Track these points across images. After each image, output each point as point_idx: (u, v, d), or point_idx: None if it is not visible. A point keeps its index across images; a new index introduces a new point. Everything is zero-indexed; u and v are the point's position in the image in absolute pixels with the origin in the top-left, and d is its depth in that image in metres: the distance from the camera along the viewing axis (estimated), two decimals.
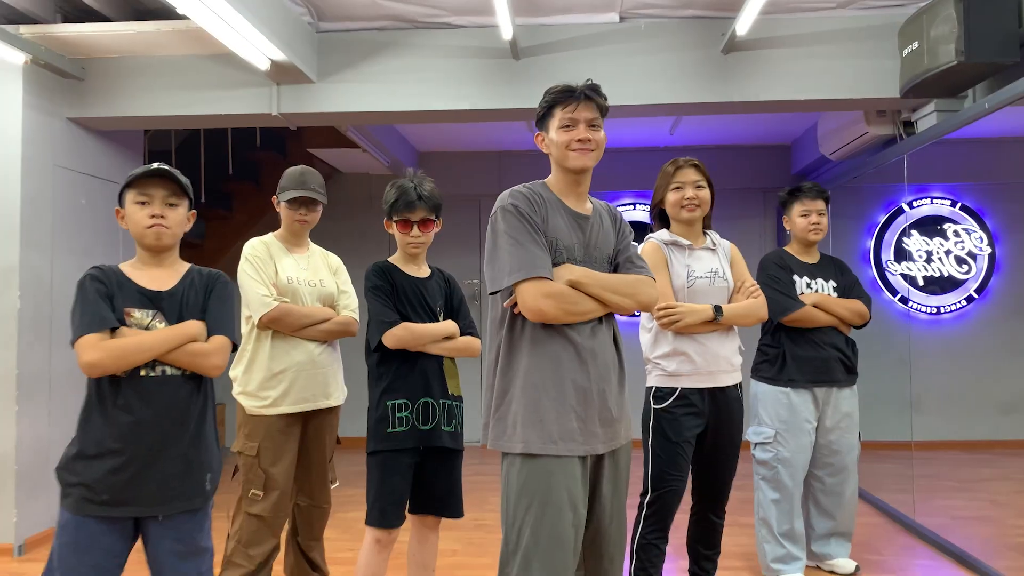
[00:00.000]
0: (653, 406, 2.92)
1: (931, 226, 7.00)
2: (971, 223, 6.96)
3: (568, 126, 2.13)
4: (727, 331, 2.93)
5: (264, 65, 4.17)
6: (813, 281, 3.61)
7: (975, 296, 6.91)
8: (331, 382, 3.04)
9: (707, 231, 3.08)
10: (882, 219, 7.02)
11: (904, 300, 6.98)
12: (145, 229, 2.11)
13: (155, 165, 2.13)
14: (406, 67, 4.51)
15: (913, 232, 7.00)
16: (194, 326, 2.11)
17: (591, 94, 2.14)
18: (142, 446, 2.03)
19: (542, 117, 2.20)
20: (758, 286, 3.01)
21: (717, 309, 2.86)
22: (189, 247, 6.30)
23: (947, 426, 6.79)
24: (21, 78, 4.25)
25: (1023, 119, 5.90)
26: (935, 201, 7.01)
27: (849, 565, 3.70)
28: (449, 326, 2.76)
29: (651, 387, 2.94)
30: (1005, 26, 3.53)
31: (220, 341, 2.15)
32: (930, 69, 3.71)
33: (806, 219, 3.60)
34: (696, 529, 3.12)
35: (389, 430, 2.66)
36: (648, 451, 2.94)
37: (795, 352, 3.52)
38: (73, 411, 4.63)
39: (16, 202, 4.22)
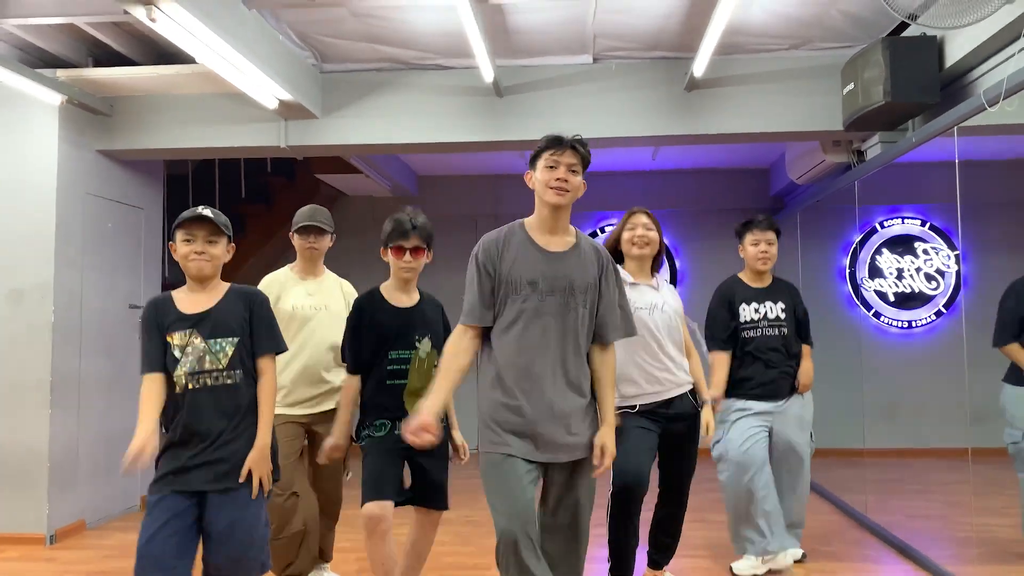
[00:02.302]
0: None
1: (902, 244, 7.40)
2: (939, 242, 7.36)
3: (552, 167, 2.53)
4: (668, 354, 3.35)
5: (272, 104, 4.66)
6: (761, 305, 3.94)
7: (944, 311, 7.30)
8: (324, 390, 3.51)
9: (655, 274, 3.50)
10: (857, 238, 7.43)
11: (877, 315, 7.37)
12: (188, 262, 2.58)
13: (199, 210, 2.58)
14: (402, 104, 4.99)
15: (884, 250, 7.40)
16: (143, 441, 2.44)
17: (576, 145, 2.55)
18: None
19: (533, 158, 2.63)
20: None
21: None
22: None
23: (918, 434, 7.14)
24: (57, 116, 4.77)
25: (981, 144, 6.29)
26: (906, 220, 7.42)
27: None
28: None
29: None
30: (927, 70, 3.96)
31: (268, 363, 2.66)
32: (864, 107, 4.15)
33: (756, 248, 3.94)
34: (659, 519, 3.53)
35: (358, 442, 3.14)
36: None
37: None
38: (100, 413, 5.13)
39: (52, 226, 4.73)
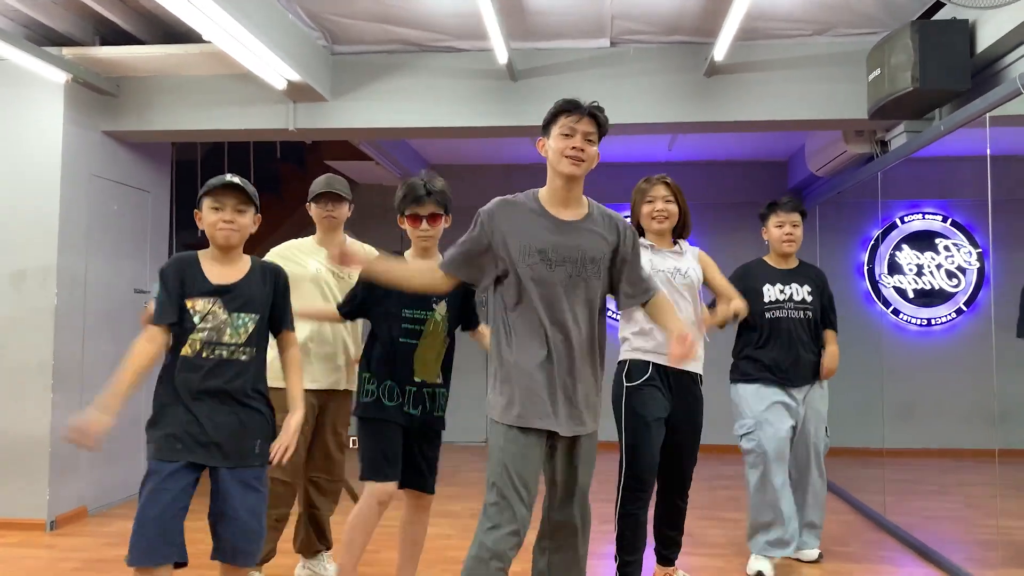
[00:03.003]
0: (625, 384, 3.22)
1: (922, 240, 7.24)
2: (961, 238, 7.19)
3: (567, 134, 2.41)
4: (688, 320, 3.22)
5: (281, 84, 4.55)
6: (787, 286, 3.84)
7: (964, 309, 7.14)
8: (341, 368, 3.40)
9: (678, 240, 3.39)
10: (876, 233, 7.28)
11: (896, 312, 7.22)
12: (216, 231, 2.51)
13: (228, 177, 2.51)
14: (413, 87, 4.87)
15: (904, 246, 7.25)
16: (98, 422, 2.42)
17: (594, 112, 2.43)
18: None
19: (547, 123, 2.49)
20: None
21: None
22: None
23: (936, 434, 7.00)
24: (63, 95, 4.68)
25: (1008, 138, 6.13)
26: (927, 216, 7.26)
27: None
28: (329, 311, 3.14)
29: (624, 361, 3.25)
30: (957, 55, 3.82)
31: (291, 336, 2.67)
32: (891, 94, 4.01)
33: (780, 230, 3.86)
34: (662, 511, 3.42)
35: (361, 398, 2.99)
36: (621, 429, 3.22)
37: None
38: None
39: (55, 208, 4.64)
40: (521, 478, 2.38)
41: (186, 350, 2.47)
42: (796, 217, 3.86)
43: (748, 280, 3.84)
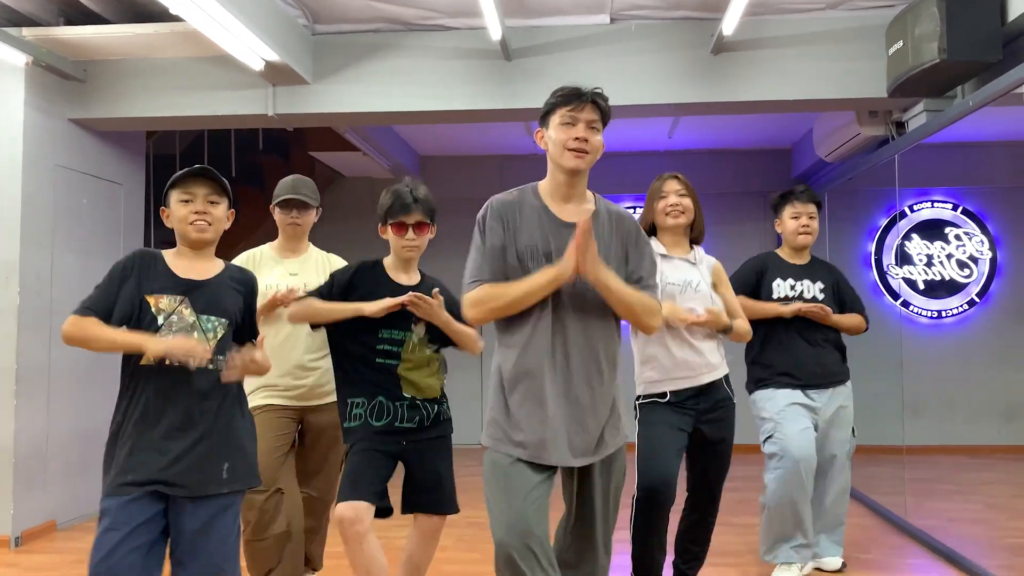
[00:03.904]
0: (637, 403, 2.98)
1: (932, 230, 6.99)
2: (972, 227, 6.94)
3: (569, 123, 2.18)
4: (696, 336, 2.95)
5: (258, 65, 4.25)
6: (799, 283, 3.62)
7: (976, 300, 6.89)
8: (319, 382, 3.12)
9: (694, 246, 3.13)
10: (883, 223, 7.03)
11: (906, 304, 6.96)
12: (188, 225, 2.22)
13: (197, 166, 2.25)
14: (400, 68, 4.58)
15: (914, 236, 7.00)
16: (151, 344, 2.11)
17: (596, 98, 2.20)
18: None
19: (545, 114, 2.26)
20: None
21: None
22: None
23: (949, 430, 6.77)
24: (23, 79, 4.36)
25: (1022, 122, 5.89)
26: (936, 205, 7.01)
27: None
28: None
29: (639, 395, 3.00)
30: (988, 24, 3.56)
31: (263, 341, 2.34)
32: (914, 67, 3.74)
33: (796, 221, 3.63)
34: (687, 526, 3.14)
35: (346, 424, 2.72)
36: (637, 445, 2.95)
37: None
38: (72, 405, 4.74)
39: (17, 200, 4.32)
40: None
41: (145, 359, 2.14)
42: (812, 208, 3.64)
43: (758, 277, 3.63)
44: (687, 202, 3.05)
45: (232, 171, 6.79)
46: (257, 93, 4.61)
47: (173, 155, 6.77)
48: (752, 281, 3.63)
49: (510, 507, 2.11)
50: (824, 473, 3.64)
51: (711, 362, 2.97)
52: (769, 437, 3.47)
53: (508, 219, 2.22)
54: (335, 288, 2.75)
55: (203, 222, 2.23)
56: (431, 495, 2.77)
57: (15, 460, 4.25)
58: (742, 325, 3.08)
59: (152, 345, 2.07)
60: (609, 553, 2.37)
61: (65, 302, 4.65)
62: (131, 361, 2.17)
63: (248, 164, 7.01)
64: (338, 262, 3.27)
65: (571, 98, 2.19)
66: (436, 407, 2.79)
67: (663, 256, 2.99)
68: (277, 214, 3.20)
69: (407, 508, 2.79)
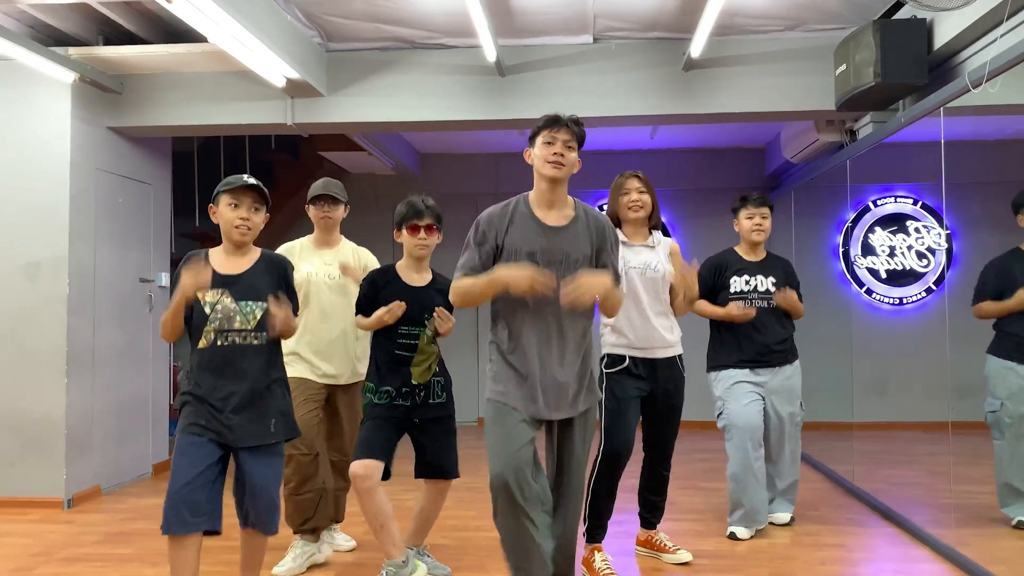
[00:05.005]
0: (604, 371, 3.53)
1: (895, 223, 7.55)
2: (931, 220, 7.51)
3: (549, 143, 2.74)
4: (656, 312, 3.51)
5: (280, 82, 4.77)
6: (752, 277, 4.12)
7: (934, 288, 7.47)
8: (354, 361, 3.69)
9: (652, 231, 3.66)
10: (850, 216, 7.58)
11: (869, 292, 7.54)
12: (233, 228, 2.71)
13: (246, 179, 2.71)
14: (406, 83, 5.10)
15: (877, 228, 7.56)
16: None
17: (571, 124, 2.75)
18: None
19: (532, 137, 2.83)
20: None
21: None
22: (209, 240, 6.93)
23: (907, 408, 7.33)
24: (70, 93, 4.89)
25: (967, 125, 6.42)
26: (899, 200, 7.56)
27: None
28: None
29: (604, 354, 3.55)
30: (916, 52, 4.09)
31: (297, 320, 2.89)
32: (856, 87, 4.28)
33: (750, 221, 4.14)
34: (646, 479, 3.73)
35: (363, 402, 3.31)
36: (601, 409, 3.52)
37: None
38: (113, 382, 5.28)
39: (66, 201, 4.87)
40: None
41: (202, 343, 2.65)
42: (765, 210, 4.14)
43: (717, 273, 4.14)
44: (646, 198, 3.57)
45: (247, 168, 7.29)
46: (277, 104, 5.13)
47: (191, 152, 7.27)
48: (709, 282, 4.11)
49: (505, 448, 2.67)
50: (780, 441, 4.18)
51: (667, 341, 3.52)
52: (720, 414, 4.07)
53: (498, 228, 2.77)
54: (366, 306, 3.29)
55: (246, 227, 2.72)
56: (437, 463, 3.34)
57: (67, 431, 4.81)
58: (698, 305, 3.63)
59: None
60: (583, 497, 2.95)
61: (106, 291, 5.21)
62: (192, 346, 2.68)
63: (260, 162, 7.50)
64: (366, 254, 3.81)
65: (551, 123, 2.76)
66: (432, 385, 3.31)
67: (625, 244, 3.52)
68: (311, 210, 3.71)
69: (419, 474, 3.36)
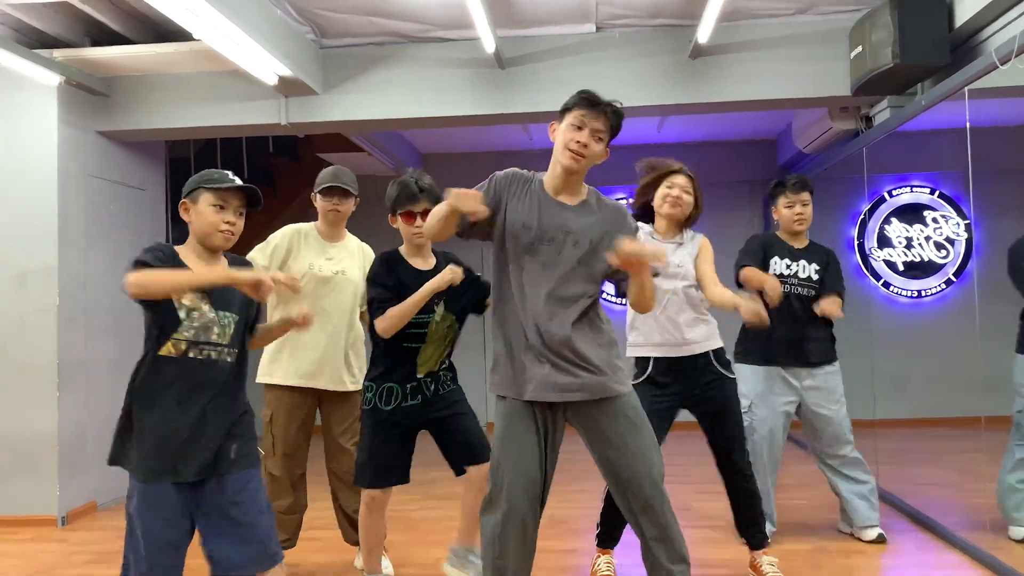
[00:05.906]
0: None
1: (911, 213, 7.33)
2: (949, 210, 7.28)
3: (577, 127, 2.37)
4: (679, 308, 3.26)
5: (272, 80, 4.61)
6: (795, 263, 3.83)
7: (954, 280, 7.24)
8: (343, 368, 3.43)
9: (685, 229, 3.37)
10: (865, 207, 7.37)
11: (887, 285, 7.31)
12: (217, 232, 2.31)
13: (236, 179, 2.33)
14: (402, 78, 4.93)
15: (893, 219, 7.34)
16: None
17: (608, 112, 2.39)
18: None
19: (563, 110, 2.43)
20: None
21: None
22: None
23: (931, 404, 7.11)
24: (56, 97, 4.74)
25: (994, 110, 6.20)
26: (915, 189, 7.34)
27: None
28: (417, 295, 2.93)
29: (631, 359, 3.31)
30: (936, 31, 3.89)
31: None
32: (872, 70, 4.08)
33: (791, 210, 3.85)
34: (731, 500, 3.40)
35: (363, 407, 3.04)
36: None
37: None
38: (108, 396, 5.12)
39: (54, 209, 4.71)
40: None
41: (168, 350, 2.24)
42: (806, 196, 3.85)
43: (761, 247, 3.84)
44: (688, 199, 3.26)
45: (245, 172, 7.14)
46: (270, 104, 4.97)
47: (188, 158, 7.12)
48: (760, 255, 3.79)
49: (518, 472, 2.40)
50: (835, 448, 3.88)
51: (695, 337, 3.24)
52: (745, 412, 3.72)
53: (516, 186, 2.48)
54: (392, 290, 2.92)
55: (231, 233, 2.33)
56: (467, 451, 3.04)
57: (59, 447, 4.65)
58: (718, 293, 3.22)
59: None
60: (661, 472, 2.50)
61: (99, 301, 5.05)
62: (149, 349, 2.27)
63: (259, 166, 7.36)
64: (371, 252, 3.54)
65: (587, 103, 2.37)
66: (433, 384, 3.03)
67: (651, 235, 3.28)
68: (319, 201, 3.44)
69: (456, 469, 3.07)
